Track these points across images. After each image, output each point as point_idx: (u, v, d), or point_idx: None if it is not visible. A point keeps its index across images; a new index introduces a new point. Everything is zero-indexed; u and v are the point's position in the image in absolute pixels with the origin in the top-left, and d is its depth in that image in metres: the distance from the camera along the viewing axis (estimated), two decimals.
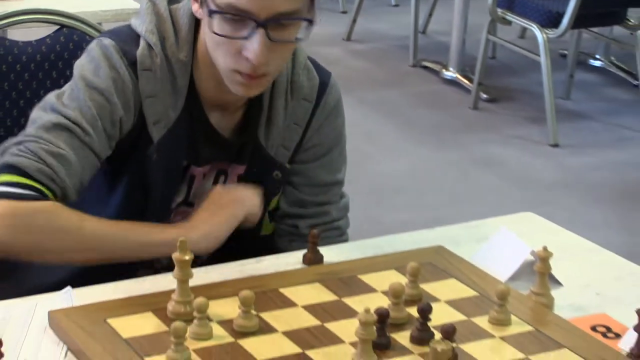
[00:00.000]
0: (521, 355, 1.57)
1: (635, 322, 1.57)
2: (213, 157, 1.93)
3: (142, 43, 1.84)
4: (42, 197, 1.72)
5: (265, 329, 1.59)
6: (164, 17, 1.86)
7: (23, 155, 1.74)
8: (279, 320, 1.62)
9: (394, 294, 1.63)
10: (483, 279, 1.79)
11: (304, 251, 1.84)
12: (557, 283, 1.82)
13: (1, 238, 1.70)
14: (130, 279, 1.77)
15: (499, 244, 1.89)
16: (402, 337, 1.59)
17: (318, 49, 1.81)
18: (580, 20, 5.01)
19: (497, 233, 1.92)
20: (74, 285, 1.72)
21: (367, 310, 1.46)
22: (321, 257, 1.84)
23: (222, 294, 1.67)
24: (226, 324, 1.59)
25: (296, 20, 1.76)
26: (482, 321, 1.65)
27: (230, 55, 1.77)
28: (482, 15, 5.34)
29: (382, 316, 1.55)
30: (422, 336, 1.57)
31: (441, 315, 1.63)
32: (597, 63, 6.15)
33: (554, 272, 1.78)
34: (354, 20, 6.46)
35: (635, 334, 1.58)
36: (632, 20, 5.33)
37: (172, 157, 1.88)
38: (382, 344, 1.55)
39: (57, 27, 2.26)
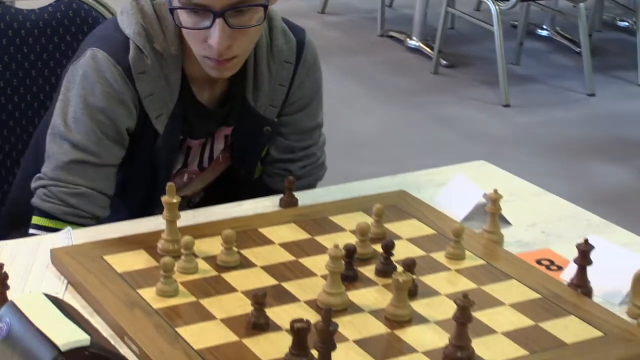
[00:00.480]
0: (474, 285, 1.56)
1: (576, 256, 1.56)
2: (208, 129, 1.91)
3: (132, 47, 1.77)
4: None
5: (246, 264, 1.58)
6: (149, 15, 1.78)
7: (49, 201, 1.77)
8: (257, 257, 1.60)
9: (361, 232, 1.61)
10: (441, 219, 1.77)
11: (281, 195, 1.83)
12: (507, 222, 1.81)
13: None
14: (124, 221, 1.75)
15: (455, 188, 1.87)
16: (368, 271, 1.58)
17: (295, 21, 1.80)
18: None
19: (453, 178, 1.90)
20: None
21: (336, 246, 1.45)
22: (296, 200, 1.82)
23: (206, 234, 1.65)
24: (210, 259, 1.58)
25: (251, 7, 1.71)
26: (439, 256, 1.64)
27: (198, 43, 1.73)
28: None
29: (350, 251, 1.53)
30: (386, 269, 1.56)
31: (403, 251, 1.61)
32: (544, 32, 6.13)
33: (504, 212, 1.77)
34: None
35: (576, 266, 1.57)
36: None
37: (173, 138, 1.85)
38: (350, 277, 1.54)
39: None
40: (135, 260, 1.57)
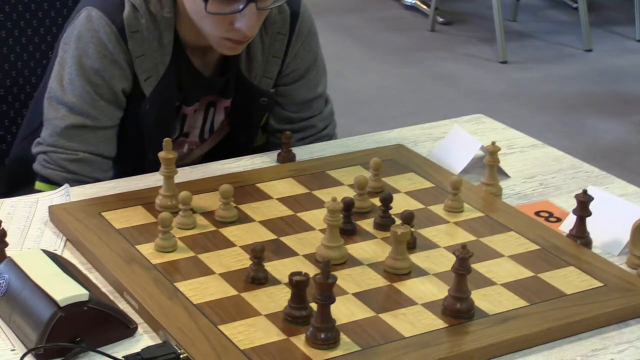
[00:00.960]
0: (473, 237, 1.55)
1: (575, 207, 1.55)
2: (200, 96, 1.89)
3: (127, 5, 1.75)
4: None
5: (244, 219, 1.57)
6: None
7: (49, 167, 1.77)
8: (255, 212, 1.59)
9: (359, 185, 1.60)
10: (439, 172, 1.76)
11: (279, 151, 1.81)
12: (505, 175, 1.79)
13: None
14: (121, 178, 1.74)
15: (453, 141, 1.86)
16: (366, 224, 1.57)
17: None
18: None
19: (451, 131, 1.89)
20: None
21: (334, 199, 1.44)
22: (293, 155, 1.80)
23: (204, 189, 1.64)
24: (208, 215, 1.57)
25: None
26: (437, 209, 1.63)
27: (221, 27, 1.71)
28: None
29: (348, 205, 1.52)
30: (384, 222, 1.55)
31: (401, 205, 1.60)
32: None
33: (502, 165, 1.76)
34: None
35: (575, 217, 1.56)
36: None
37: (164, 104, 1.83)
38: (349, 230, 1.53)
39: None
40: (133, 216, 1.56)
